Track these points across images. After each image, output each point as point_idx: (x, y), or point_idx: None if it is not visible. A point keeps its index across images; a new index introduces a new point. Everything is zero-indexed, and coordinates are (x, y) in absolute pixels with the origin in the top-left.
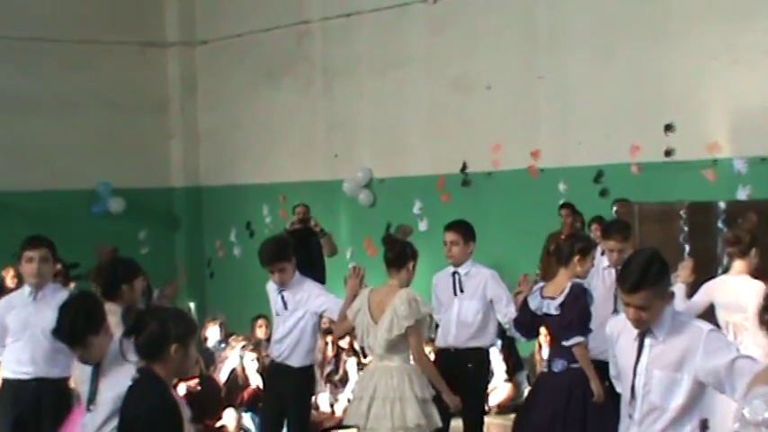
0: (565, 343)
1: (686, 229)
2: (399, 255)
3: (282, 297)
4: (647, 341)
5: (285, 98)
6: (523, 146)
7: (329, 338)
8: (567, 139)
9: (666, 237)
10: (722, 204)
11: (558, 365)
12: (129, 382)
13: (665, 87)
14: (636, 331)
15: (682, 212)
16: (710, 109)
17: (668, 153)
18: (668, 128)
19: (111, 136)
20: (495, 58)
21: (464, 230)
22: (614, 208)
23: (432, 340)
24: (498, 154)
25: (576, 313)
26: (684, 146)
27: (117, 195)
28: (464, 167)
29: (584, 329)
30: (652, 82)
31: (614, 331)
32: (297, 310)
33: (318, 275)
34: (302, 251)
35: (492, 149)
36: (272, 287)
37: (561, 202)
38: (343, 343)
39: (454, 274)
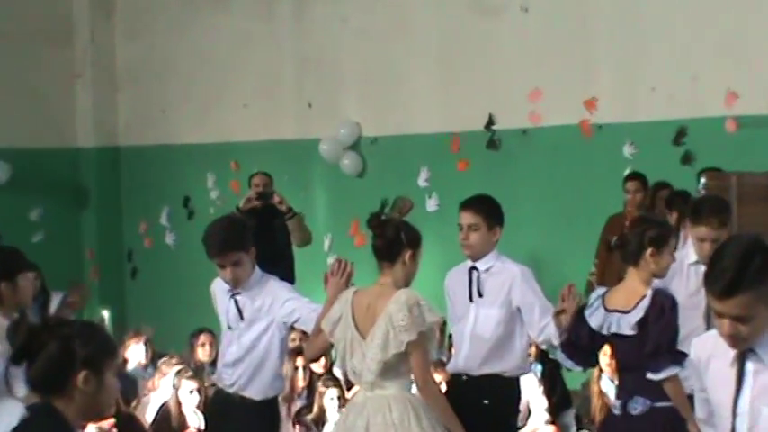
0: (653, 376)
1: None
2: (392, 242)
3: (236, 303)
4: (750, 366)
5: (238, 24)
6: (573, 92)
7: (300, 361)
8: (636, 84)
9: None
10: None
11: (638, 405)
12: (15, 424)
13: None
14: (733, 353)
15: None
16: None
17: None
18: None
19: None
20: None
21: (487, 210)
22: (702, 180)
23: (443, 364)
24: (538, 104)
25: (665, 333)
26: None
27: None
28: (490, 122)
29: (679, 355)
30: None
31: (702, 355)
32: (257, 322)
33: (284, 272)
34: (262, 238)
35: (529, 98)
36: (220, 289)
37: (627, 171)
38: (318, 367)
39: (472, 270)
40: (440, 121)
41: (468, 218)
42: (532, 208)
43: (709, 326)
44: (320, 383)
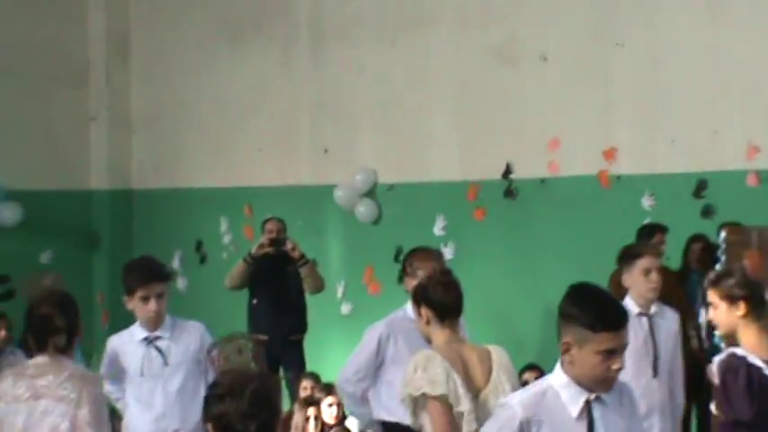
0: None
1: None
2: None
3: (158, 348)
4: (597, 413)
5: (254, 69)
6: (593, 143)
7: (312, 411)
8: (656, 135)
9: None
10: None
11: None
12: None
13: None
14: (574, 408)
15: None
16: None
17: None
18: None
19: (5, 116)
20: (555, 17)
21: None
22: (722, 234)
23: None
24: (556, 153)
25: None
26: None
27: (11, 200)
28: (507, 171)
29: None
30: None
31: (527, 415)
32: (183, 364)
33: (296, 319)
34: (274, 284)
35: (548, 147)
36: (121, 343)
37: (645, 222)
38: (330, 418)
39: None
40: (457, 169)
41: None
42: (550, 259)
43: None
44: None
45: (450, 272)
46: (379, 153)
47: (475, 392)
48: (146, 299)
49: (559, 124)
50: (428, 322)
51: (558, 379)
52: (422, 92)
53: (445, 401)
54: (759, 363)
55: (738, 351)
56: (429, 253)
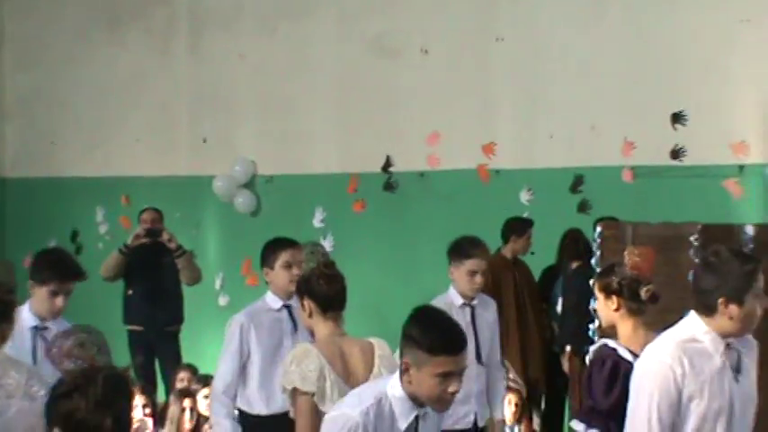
0: None
1: (696, 261)
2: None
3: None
4: None
5: (132, 58)
6: (472, 137)
7: (187, 403)
8: (535, 130)
9: (670, 272)
10: (750, 229)
11: None
12: None
13: (675, 61)
14: None
15: (693, 239)
16: (737, 93)
17: (675, 155)
18: (677, 118)
19: None
20: (436, 10)
21: None
22: (598, 228)
23: None
24: (436, 147)
25: None
26: (699, 145)
27: None
28: (387, 165)
29: None
30: (656, 52)
31: None
32: None
33: (173, 310)
34: (150, 275)
35: (427, 141)
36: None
37: (522, 215)
38: (206, 410)
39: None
40: (337, 161)
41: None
42: (429, 251)
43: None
44: (207, 426)
45: (333, 264)
46: (259, 144)
47: (355, 386)
48: (55, 293)
49: (439, 118)
50: (311, 315)
51: (394, 390)
52: (302, 83)
53: (311, 399)
54: (628, 355)
55: (610, 342)
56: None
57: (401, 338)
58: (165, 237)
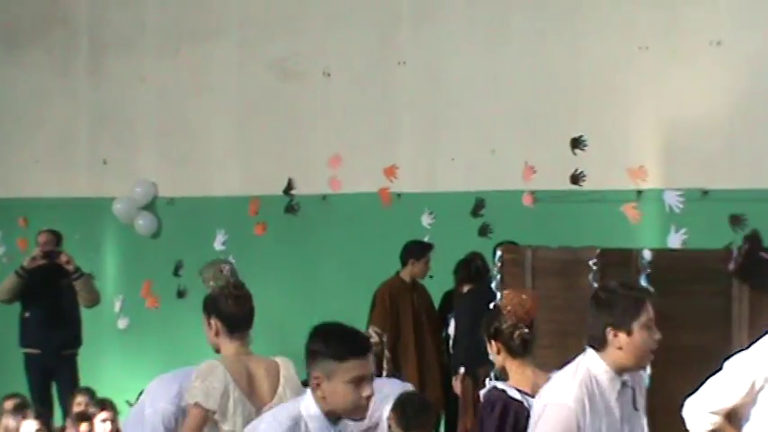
0: None
1: (594, 285)
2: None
3: None
4: None
5: (32, 78)
6: (374, 160)
7: (84, 427)
8: (436, 154)
9: (569, 296)
10: (647, 253)
11: None
12: None
13: (575, 86)
14: None
15: (591, 263)
16: (636, 119)
17: (575, 179)
18: (576, 143)
19: None
20: (338, 33)
21: None
22: (498, 253)
23: None
24: (338, 170)
25: None
26: (598, 170)
27: None
28: (289, 187)
29: None
30: (556, 78)
31: None
32: None
33: (71, 333)
34: (47, 298)
35: (329, 164)
36: None
37: (424, 240)
38: (103, 431)
39: None
40: (238, 183)
41: None
42: (331, 274)
43: None
44: None
45: (242, 285)
46: (160, 166)
47: (259, 406)
48: None
49: (341, 141)
50: (217, 333)
51: (309, 410)
52: (204, 105)
53: (207, 416)
54: (517, 396)
55: (499, 384)
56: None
57: (306, 358)
58: (62, 259)
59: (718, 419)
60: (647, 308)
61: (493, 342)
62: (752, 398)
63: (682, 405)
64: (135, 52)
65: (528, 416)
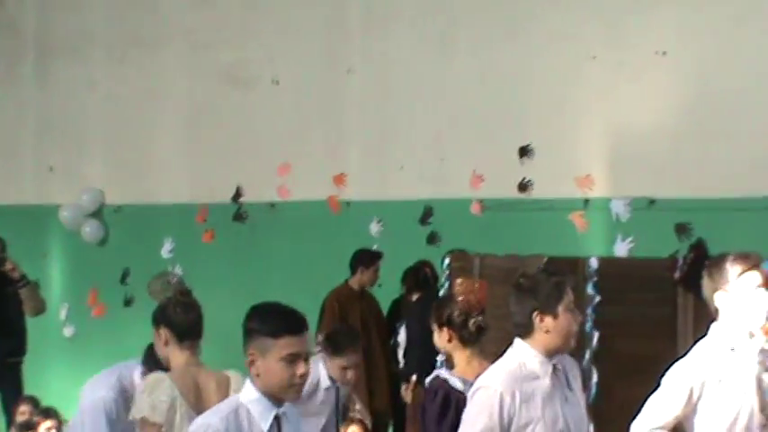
0: None
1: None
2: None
3: None
4: None
5: None
6: (323, 168)
7: None
8: (385, 162)
9: None
10: (594, 261)
11: None
12: None
13: (523, 95)
14: None
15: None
16: (583, 128)
17: (523, 188)
18: (524, 152)
19: None
20: (287, 40)
21: None
22: (446, 261)
23: None
24: (286, 178)
25: None
26: (546, 178)
27: None
28: (237, 195)
29: None
30: (505, 86)
31: None
32: None
33: (16, 342)
34: None
35: (278, 171)
36: None
37: (373, 248)
38: None
39: None
40: (187, 191)
41: None
42: (280, 282)
43: None
44: None
45: (189, 292)
46: (107, 173)
47: None
48: None
49: (290, 149)
50: (167, 343)
51: (248, 395)
52: (152, 112)
53: (159, 430)
54: (460, 385)
55: (443, 373)
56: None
57: (243, 336)
58: (7, 266)
59: None
60: (569, 291)
61: (444, 330)
62: (692, 408)
63: (627, 412)
64: (82, 58)
65: None
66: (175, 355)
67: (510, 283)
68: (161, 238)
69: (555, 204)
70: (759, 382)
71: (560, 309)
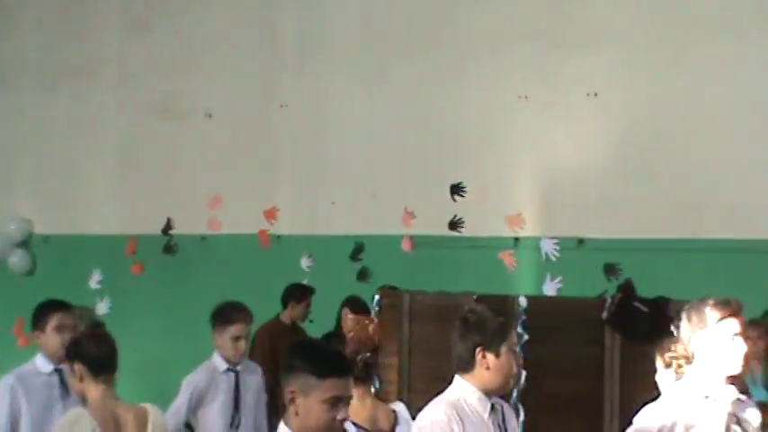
0: None
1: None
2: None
3: None
4: None
5: None
6: (254, 202)
7: None
8: (316, 197)
9: (445, 341)
10: (523, 300)
11: None
12: None
13: (455, 133)
14: None
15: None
16: (514, 167)
17: (453, 225)
18: (455, 190)
19: None
20: (221, 73)
21: None
22: (376, 297)
23: None
24: (217, 211)
25: None
26: (476, 217)
27: None
28: (168, 227)
29: None
30: (437, 124)
31: None
32: None
33: None
34: None
35: (209, 204)
36: None
37: (304, 282)
38: None
39: None
40: (116, 222)
41: None
42: (209, 314)
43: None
44: None
45: (102, 325)
46: (37, 203)
47: None
48: None
49: (222, 182)
50: (81, 379)
51: None
52: (83, 142)
53: None
54: (353, 429)
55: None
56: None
57: (284, 372)
58: None
59: None
60: (513, 333)
61: None
62: None
63: None
64: (13, 88)
65: None
66: (90, 390)
67: (439, 321)
68: (89, 268)
69: (485, 242)
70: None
71: (503, 348)
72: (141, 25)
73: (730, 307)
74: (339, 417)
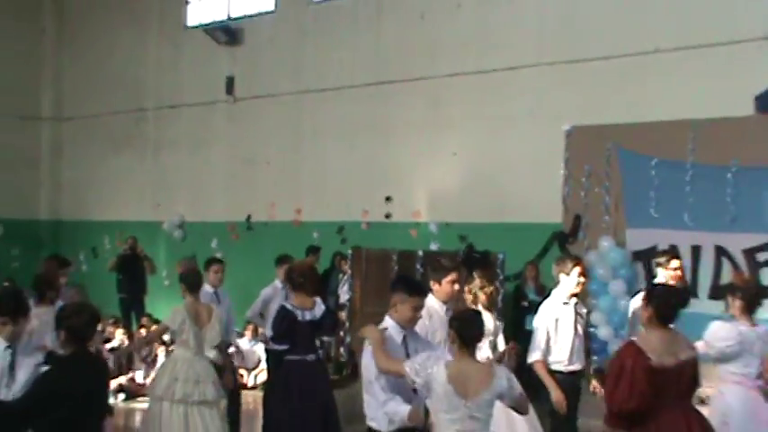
0: None
1: (396, 268)
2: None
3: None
4: None
5: (125, 164)
6: (290, 204)
7: None
8: (321, 202)
9: (383, 274)
10: (420, 253)
11: None
12: None
13: (388, 171)
14: None
15: (394, 257)
16: (416, 188)
17: (387, 216)
18: (388, 199)
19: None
20: (273, 141)
21: None
22: (350, 252)
23: None
24: (273, 209)
25: None
26: (398, 212)
27: None
28: (249, 218)
29: None
30: (379, 166)
31: None
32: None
33: (141, 287)
34: (131, 269)
35: (269, 206)
36: None
37: (314, 245)
38: None
39: None
40: (224, 214)
41: None
42: (272, 265)
43: None
44: None
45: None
46: (186, 205)
47: None
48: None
49: (275, 194)
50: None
51: (387, 322)
52: (208, 176)
53: None
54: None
55: None
56: None
57: (391, 289)
58: (139, 250)
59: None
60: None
61: None
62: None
63: None
64: (176, 152)
65: None
66: (187, 298)
67: (382, 266)
68: (211, 238)
69: (403, 225)
70: (575, 323)
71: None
72: None
73: (574, 259)
74: (417, 316)
